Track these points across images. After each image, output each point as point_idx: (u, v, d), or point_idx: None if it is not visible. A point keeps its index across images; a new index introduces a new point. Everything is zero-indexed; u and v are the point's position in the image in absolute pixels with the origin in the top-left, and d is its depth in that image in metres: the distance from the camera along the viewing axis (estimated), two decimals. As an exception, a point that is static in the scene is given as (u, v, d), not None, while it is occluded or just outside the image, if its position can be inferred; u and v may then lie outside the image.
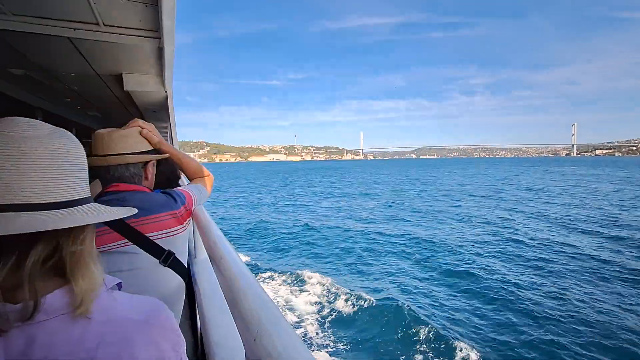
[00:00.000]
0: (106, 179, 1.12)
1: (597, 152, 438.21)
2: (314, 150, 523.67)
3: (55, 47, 2.10)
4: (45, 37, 1.87)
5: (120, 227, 1.02)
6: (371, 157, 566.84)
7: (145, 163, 1.19)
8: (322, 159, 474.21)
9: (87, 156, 0.55)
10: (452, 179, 47.91)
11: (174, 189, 1.27)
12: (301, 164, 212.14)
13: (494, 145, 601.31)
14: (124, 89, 2.81)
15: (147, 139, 1.20)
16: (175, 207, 1.16)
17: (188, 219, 1.24)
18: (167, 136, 5.35)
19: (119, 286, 0.57)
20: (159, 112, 4.09)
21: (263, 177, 63.61)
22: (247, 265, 9.97)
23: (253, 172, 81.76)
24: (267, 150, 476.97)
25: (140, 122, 1.22)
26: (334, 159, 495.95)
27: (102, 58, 2.38)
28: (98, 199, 1.06)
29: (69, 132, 0.54)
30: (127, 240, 1.02)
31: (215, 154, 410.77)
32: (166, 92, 3.09)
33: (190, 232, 1.54)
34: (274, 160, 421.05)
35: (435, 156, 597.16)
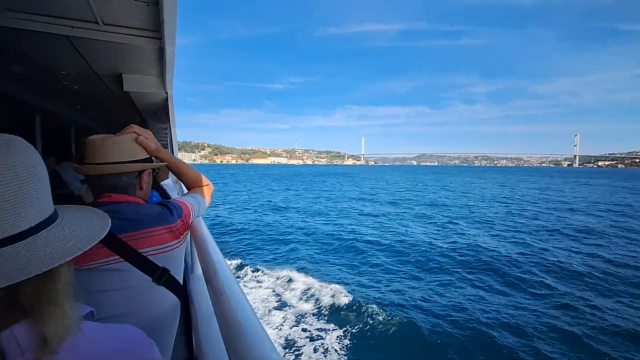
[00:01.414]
0: (99, 188, 1.04)
1: (600, 163, 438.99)
2: (315, 154, 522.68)
3: (54, 45, 2.04)
4: (42, 34, 1.82)
5: (111, 242, 0.94)
6: (372, 163, 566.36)
7: (140, 172, 1.12)
8: (324, 163, 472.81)
9: (79, 164, 0.51)
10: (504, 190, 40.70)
11: (170, 199, 1.19)
12: (304, 167, 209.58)
13: (495, 153, 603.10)
14: (124, 90, 2.74)
15: (143, 146, 1.12)
16: (172, 221, 1.08)
17: (185, 233, 1.16)
18: (166, 138, 5.27)
19: (91, 315, 0.51)
20: (159, 114, 3.99)
21: (275, 182, 54.17)
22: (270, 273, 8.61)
23: (260, 176, 76.38)
24: (269, 153, 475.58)
25: (136, 128, 1.14)
26: (335, 163, 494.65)
27: (102, 58, 2.32)
28: None
29: (10, 138, 0.46)
30: (118, 257, 0.94)
31: (216, 155, 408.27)
32: (166, 93, 3.02)
33: (187, 246, 1.42)
34: (275, 163, 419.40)
35: (436, 163, 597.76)
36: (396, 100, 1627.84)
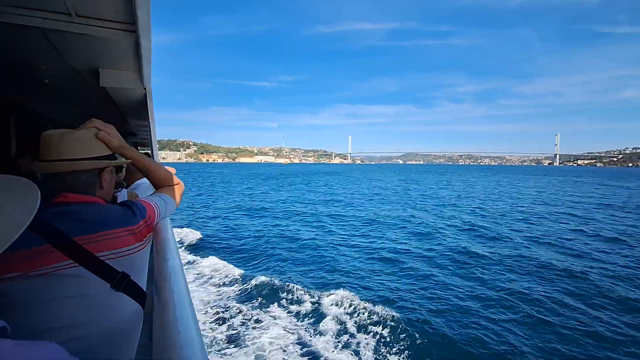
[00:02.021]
0: (55, 189, 0.96)
1: (579, 162, 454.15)
2: (302, 152, 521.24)
3: (27, 38, 1.96)
4: (15, 26, 1.75)
5: (65, 245, 0.86)
6: (359, 162, 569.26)
7: (101, 170, 1.04)
8: (311, 162, 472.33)
9: (33, 161, 0.45)
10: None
11: (134, 200, 1.12)
12: (292, 166, 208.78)
13: (479, 152, 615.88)
14: (100, 85, 2.65)
15: (104, 142, 1.04)
16: (134, 222, 1.01)
17: (149, 235, 1.09)
18: (147, 136, 5.11)
19: (4, 331, 0.45)
20: (138, 110, 3.91)
21: (272, 184, 49.25)
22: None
23: (251, 176, 72.92)
24: (255, 151, 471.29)
25: (98, 122, 1.06)
26: (322, 162, 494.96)
27: (77, 51, 2.23)
28: (43, 211, 0.89)
29: None
30: (72, 261, 0.86)
31: (202, 154, 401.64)
32: (145, 89, 2.93)
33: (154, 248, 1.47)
34: (262, 162, 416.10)
35: (422, 162, 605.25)
36: (385, 99, 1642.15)
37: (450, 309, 7.15)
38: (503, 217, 18.85)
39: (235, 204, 23.89)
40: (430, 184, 50.75)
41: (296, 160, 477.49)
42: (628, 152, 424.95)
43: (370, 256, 11.14)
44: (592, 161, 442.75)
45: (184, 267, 9.15)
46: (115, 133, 1.10)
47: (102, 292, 0.90)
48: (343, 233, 14.70)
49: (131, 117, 4.84)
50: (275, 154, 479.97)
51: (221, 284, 8.50)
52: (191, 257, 10.42)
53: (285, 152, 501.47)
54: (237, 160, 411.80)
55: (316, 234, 14.39)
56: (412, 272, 9.47)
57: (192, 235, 13.41)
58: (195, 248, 11.82)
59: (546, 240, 13.16)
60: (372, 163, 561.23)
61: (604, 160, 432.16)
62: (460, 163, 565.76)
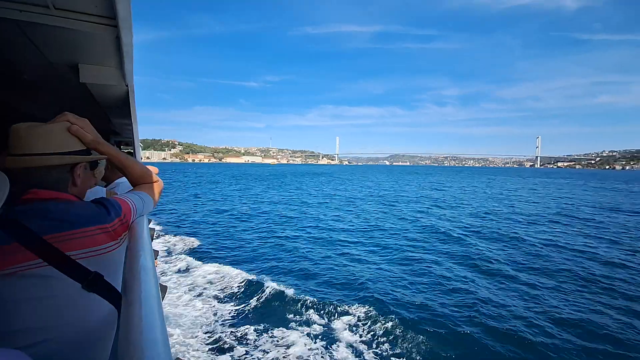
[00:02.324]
0: (25, 185, 0.92)
1: (559, 164, 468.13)
2: (289, 153, 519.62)
3: (3, 31, 1.88)
4: None
5: (33, 243, 0.81)
6: (346, 163, 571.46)
7: (74, 166, 0.99)
8: (299, 163, 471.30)
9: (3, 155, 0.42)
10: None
11: (109, 197, 1.06)
12: (281, 167, 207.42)
13: (463, 154, 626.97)
14: (80, 81, 2.56)
15: (77, 137, 0.99)
16: (108, 220, 0.97)
17: (124, 234, 1.05)
18: (130, 134, 4.95)
19: None
20: (121, 109, 3.82)
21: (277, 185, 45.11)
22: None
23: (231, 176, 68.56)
24: (242, 152, 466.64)
25: (70, 115, 1.01)
26: (310, 162, 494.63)
27: (55, 45, 2.15)
28: (12, 208, 0.87)
29: None
30: (42, 261, 0.82)
31: (187, 153, 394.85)
32: (127, 86, 2.84)
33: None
34: (249, 162, 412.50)
35: (408, 163, 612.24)
36: (371, 101, 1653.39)
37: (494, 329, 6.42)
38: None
39: (233, 207, 22.83)
40: (458, 188, 44.53)
41: (284, 161, 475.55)
42: (605, 154, 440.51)
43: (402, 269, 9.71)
44: (571, 163, 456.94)
45: (182, 274, 9.01)
46: (89, 127, 1.05)
47: (72, 293, 0.86)
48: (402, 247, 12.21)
49: (114, 115, 4.63)
50: (263, 155, 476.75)
51: (221, 295, 7.81)
52: (187, 263, 9.91)
53: (273, 153, 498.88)
54: (223, 160, 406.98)
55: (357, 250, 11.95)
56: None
57: (189, 241, 12.72)
58: (193, 253, 11.22)
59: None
60: (359, 164, 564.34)
61: (583, 163, 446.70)
62: (446, 164, 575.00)
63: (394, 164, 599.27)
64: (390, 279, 8.88)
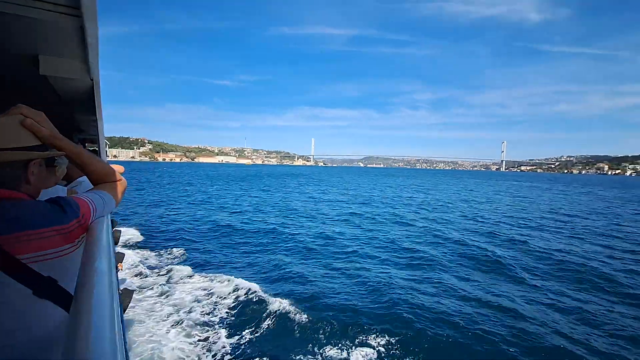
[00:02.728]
0: None
1: (522, 168, 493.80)
2: (264, 153, 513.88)
3: None
4: None
5: None
6: (322, 164, 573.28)
7: (27, 162, 0.92)
8: (274, 163, 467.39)
9: None
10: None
11: (66, 196, 0.98)
12: (257, 167, 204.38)
13: (434, 157, 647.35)
14: (40, 73, 2.41)
15: (32, 131, 0.92)
16: (64, 221, 0.90)
17: (83, 236, 0.97)
18: (95, 131, 4.83)
19: None
20: (85, 104, 3.67)
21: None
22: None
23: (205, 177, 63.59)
24: (216, 151, 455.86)
25: (25, 108, 0.94)
26: (285, 163, 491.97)
27: (12, 34, 2.01)
28: None
29: None
30: None
31: (158, 152, 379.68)
32: (92, 80, 2.70)
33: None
34: (223, 162, 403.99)
35: (382, 165, 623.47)
36: (347, 103, 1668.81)
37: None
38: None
39: (210, 210, 21.07)
40: (455, 190, 44.28)
41: (259, 162, 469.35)
42: (563, 159, 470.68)
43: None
44: (534, 167, 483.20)
45: (150, 277, 8.64)
46: (45, 121, 0.98)
47: (22, 299, 0.79)
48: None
49: (78, 111, 4.46)
50: (237, 155, 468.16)
51: (213, 309, 6.97)
52: (157, 266, 9.55)
53: (248, 153, 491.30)
54: (196, 160, 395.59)
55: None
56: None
57: (177, 251, 11.59)
58: (165, 256, 10.71)
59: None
60: (334, 166, 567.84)
61: (544, 167, 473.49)
62: (418, 167, 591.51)
63: (368, 165, 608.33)
64: (416, 296, 7.91)
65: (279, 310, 6.86)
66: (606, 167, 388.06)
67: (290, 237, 13.85)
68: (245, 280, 8.32)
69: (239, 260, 10.55)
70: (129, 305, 2.84)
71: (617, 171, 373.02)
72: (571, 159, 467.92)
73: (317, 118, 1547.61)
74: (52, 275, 0.83)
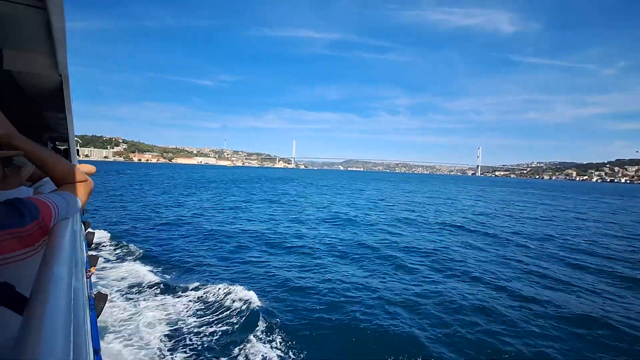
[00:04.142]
0: None
1: (497, 173, 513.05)
2: (245, 155, 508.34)
3: None
4: None
5: None
6: (302, 167, 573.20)
7: None
8: (255, 165, 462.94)
9: None
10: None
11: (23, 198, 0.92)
12: (239, 169, 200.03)
13: (413, 161, 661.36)
14: (3, 68, 2.32)
15: None
16: (21, 224, 0.83)
17: (43, 239, 0.91)
18: (65, 129, 4.63)
19: None
20: (54, 101, 3.55)
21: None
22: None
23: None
24: (195, 152, 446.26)
25: None
26: (266, 165, 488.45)
27: None
28: None
29: None
30: None
31: (133, 152, 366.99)
32: (60, 76, 2.61)
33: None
34: (203, 163, 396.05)
35: (362, 168, 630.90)
36: (328, 107, 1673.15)
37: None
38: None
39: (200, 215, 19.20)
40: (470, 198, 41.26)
41: (239, 163, 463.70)
42: (534, 165, 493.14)
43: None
44: (507, 173, 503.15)
45: (122, 282, 8.23)
46: (1, 119, 0.95)
47: None
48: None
49: (48, 108, 4.32)
50: (217, 156, 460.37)
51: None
52: (128, 272, 9.18)
53: (227, 154, 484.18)
54: (174, 161, 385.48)
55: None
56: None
57: (134, 247, 11.49)
58: (139, 259, 10.36)
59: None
60: (314, 168, 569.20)
61: (516, 172, 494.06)
62: (397, 171, 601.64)
63: (348, 169, 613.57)
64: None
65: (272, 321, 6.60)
66: (574, 174, 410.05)
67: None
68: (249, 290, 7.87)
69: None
70: (104, 308, 2.74)
71: (585, 177, 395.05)
72: (541, 164, 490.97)
73: (298, 120, 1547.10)
74: (8, 281, 0.78)
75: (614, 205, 37.95)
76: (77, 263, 0.87)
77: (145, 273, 9.05)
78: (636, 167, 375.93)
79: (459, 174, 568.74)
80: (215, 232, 14.68)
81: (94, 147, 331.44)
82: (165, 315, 6.70)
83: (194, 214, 19.87)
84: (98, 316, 2.48)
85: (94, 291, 2.54)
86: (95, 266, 5.34)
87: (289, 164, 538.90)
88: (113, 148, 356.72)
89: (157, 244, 12.35)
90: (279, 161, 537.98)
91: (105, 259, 10.20)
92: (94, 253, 10.00)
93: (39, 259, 0.86)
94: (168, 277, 8.92)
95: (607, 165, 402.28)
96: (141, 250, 11.27)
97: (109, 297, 5.07)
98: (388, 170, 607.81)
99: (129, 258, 10.49)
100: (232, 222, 17.52)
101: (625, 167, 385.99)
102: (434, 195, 44.95)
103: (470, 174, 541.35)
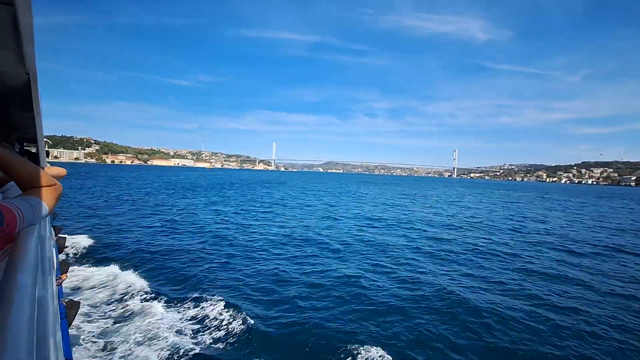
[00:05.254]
0: None
1: (472, 175, 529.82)
2: (224, 157, 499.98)
3: None
4: None
5: None
6: (283, 168, 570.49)
7: None
8: (234, 167, 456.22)
9: None
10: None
11: None
12: (220, 172, 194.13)
13: (392, 163, 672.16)
14: None
15: None
16: None
17: (8, 246, 0.88)
18: (34, 129, 4.49)
19: None
20: (21, 99, 3.43)
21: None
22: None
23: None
24: (172, 154, 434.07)
25: None
26: (246, 167, 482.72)
27: None
28: None
29: None
30: None
31: (106, 154, 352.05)
32: (28, 74, 2.51)
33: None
34: (180, 165, 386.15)
35: (341, 170, 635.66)
36: (307, 109, 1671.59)
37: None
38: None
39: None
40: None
41: (218, 165, 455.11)
42: (506, 167, 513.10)
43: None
44: (481, 174, 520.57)
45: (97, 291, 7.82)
46: None
47: None
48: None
49: (16, 108, 4.19)
50: (195, 158, 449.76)
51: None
52: (106, 279, 8.88)
53: (206, 156, 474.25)
54: (149, 162, 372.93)
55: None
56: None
57: (108, 252, 11.23)
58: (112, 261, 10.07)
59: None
60: (294, 170, 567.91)
61: (490, 174, 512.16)
62: (376, 173, 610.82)
63: (328, 170, 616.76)
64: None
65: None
66: (545, 175, 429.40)
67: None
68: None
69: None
70: (76, 316, 2.69)
71: (554, 179, 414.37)
72: (513, 167, 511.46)
73: (277, 122, 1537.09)
74: None
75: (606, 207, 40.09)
76: (45, 270, 0.84)
77: (124, 278, 8.77)
78: (601, 169, 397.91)
79: (436, 175, 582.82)
80: (223, 239, 14.32)
81: (64, 148, 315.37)
82: (146, 323, 6.47)
83: (181, 219, 18.95)
84: (70, 325, 2.42)
85: (65, 299, 2.57)
86: (66, 273, 5.11)
87: (269, 166, 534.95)
88: (84, 149, 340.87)
89: (137, 249, 11.95)
90: (259, 163, 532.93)
91: (80, 264, 9.80)
92: (66, 259, 9.55)
93: (2, 267, 0.83)
94: (148, 283, 8.67)
95: (575, 168, 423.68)
96: (119, 255, 10.92)
97: (81, 305, 4.88)
98: (367, 172, 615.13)
99: (106, 263, 10.07)
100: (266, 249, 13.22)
101: (591, 169, 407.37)
102: (451, 200, 42.76)
103: (447, 176, 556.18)
